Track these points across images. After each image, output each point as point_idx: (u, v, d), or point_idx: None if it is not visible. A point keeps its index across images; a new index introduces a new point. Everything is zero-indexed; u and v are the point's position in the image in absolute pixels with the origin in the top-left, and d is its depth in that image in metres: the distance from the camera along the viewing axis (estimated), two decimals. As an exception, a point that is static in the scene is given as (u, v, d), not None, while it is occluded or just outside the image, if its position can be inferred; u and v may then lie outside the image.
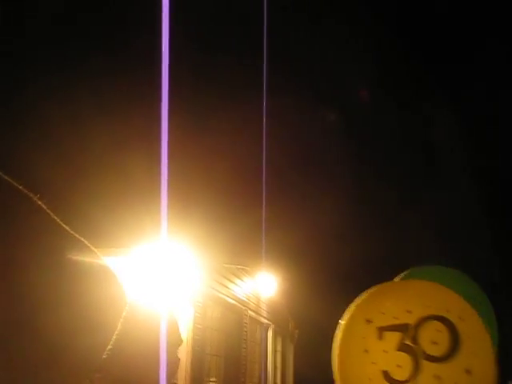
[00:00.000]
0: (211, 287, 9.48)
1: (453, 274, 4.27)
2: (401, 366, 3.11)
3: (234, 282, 10.61)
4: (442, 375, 3.02)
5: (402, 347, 3.10)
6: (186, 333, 8.07)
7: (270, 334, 11.87)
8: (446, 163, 20.19)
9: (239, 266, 10.73)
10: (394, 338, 3.13)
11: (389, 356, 3.10)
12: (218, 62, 14.22)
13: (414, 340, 3.09)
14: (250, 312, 10.91)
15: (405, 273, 4.24)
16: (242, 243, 11.19)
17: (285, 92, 13.64)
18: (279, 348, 12.67)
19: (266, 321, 11.54)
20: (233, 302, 10.39)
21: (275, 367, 12.13)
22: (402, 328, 3.14)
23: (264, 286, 11.02)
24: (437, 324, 3.08)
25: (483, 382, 2.95)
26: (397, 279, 4.21)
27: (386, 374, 3.10)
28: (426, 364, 3.04)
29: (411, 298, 3.26)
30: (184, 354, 7.90)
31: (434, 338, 3.06)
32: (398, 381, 3.09)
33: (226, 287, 10.23)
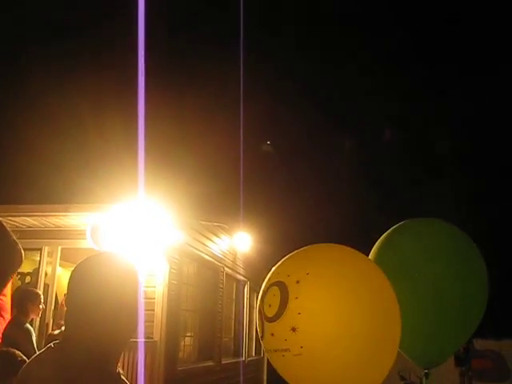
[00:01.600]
0: (187, 244, 9.50)
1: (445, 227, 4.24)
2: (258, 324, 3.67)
3: (210, 239, 10.64)
4: (274, 333, 3.35)
5: (259, 310, 3.60)
6: (161, 288, 8.10)
7: (246, 290, 12.00)
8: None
9: (216, 223, 10.75)
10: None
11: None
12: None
13: (262, 303, 3.55)
14: (226, 269, 11.00)
15: (399, 224, 4.24)
16: (219, 200, 11.20)
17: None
18: (255, 304, 12.81)
19: (242, 277, 11.65)
20: (209, 258, 10.43)
21: (250, 323, 12.30)
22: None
23: (240, 243, 11.10)
24: (274, 289, 3.41)
25: (309, 339, 3.16)
26: (389, 231, 4.24)
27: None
28: (266, 324, 3.45)
29: (291, 261, 3.54)
30: (159, 309, 7.95)
31: (270, 301, 3.41)
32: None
33: (203, 244, 10.26)
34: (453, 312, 3.77)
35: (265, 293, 3.49)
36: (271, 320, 3.35)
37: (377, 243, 4.23)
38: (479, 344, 16.03)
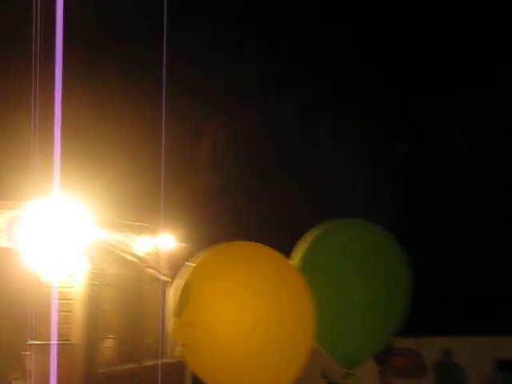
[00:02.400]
0: (109, 244, 9.28)
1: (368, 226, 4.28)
2: None
3: (133, 239, 10.45)
4: (177, 328, 3.55)
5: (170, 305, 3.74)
6: (80, 289, 7.87)
7: (169, 290, 11.81)
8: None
9: (139, 223, 10.57)
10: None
11: None
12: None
13: (171, 298, 3.70)
14: (149, 269, 10.81)
15: (321, 225, 4.24)
16: (142, 200, 10.99)
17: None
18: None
19: (166, 278, 11.47)
20: (132, 258, 10.25)
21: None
22: None
23: (164, 243, 10.93)
24: (181, 285, 3.51)
25: (205, 335, 3.25)
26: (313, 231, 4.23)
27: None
28: (173, 319, 3.62)
29: (199, 259, 3.61)
30: (78, 310, 7.72)
31: (176, 297, 3.57)
32: None
33: (126, 244, 10.06)
34: (375, 312, 3.82)
35: (174, 288, 3.53)
36: (176, 315, 3.37)
37: (299, 244, 4.24)
38: (399, 343, 16.53)
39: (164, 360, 10.89)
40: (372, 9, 18.38)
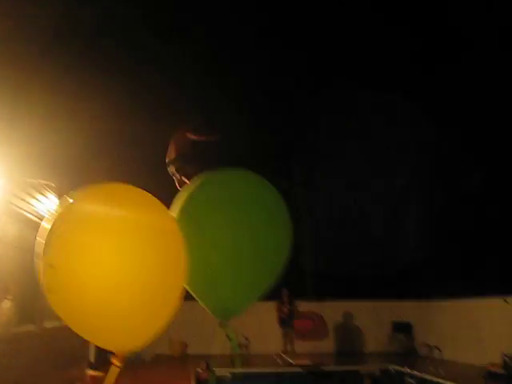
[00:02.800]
0: (9, 202, 8.88)
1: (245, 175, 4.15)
2: None
3: (36, 198, 10.04)
4: (41, 270, 3.47)
5: None
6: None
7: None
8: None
9: (42, 182, 10.15)
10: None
11: None
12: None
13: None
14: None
15: (202, 175, 4.12)
16: (46, 158, 10.55)
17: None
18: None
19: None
20: (34, 218, 9.85)
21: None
22: None
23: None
24: (49, 227, 3.50)
25: (66, 276, 3.25)
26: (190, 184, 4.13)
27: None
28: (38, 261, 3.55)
29: (69, 199, 3.53)
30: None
31: (43, 238, 3.47)
32: None
33: (28, 203, 9.66)
34: (249, 261, 3.74)
35: (41, 230, 3.35)
36: (39, 257, 3.27)
37: (179, 192, 4.11)
38: (302, 306, 17.04)
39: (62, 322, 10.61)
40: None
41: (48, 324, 9.01)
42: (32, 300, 8.91)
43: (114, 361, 3.17)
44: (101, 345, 3.38)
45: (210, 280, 3.71)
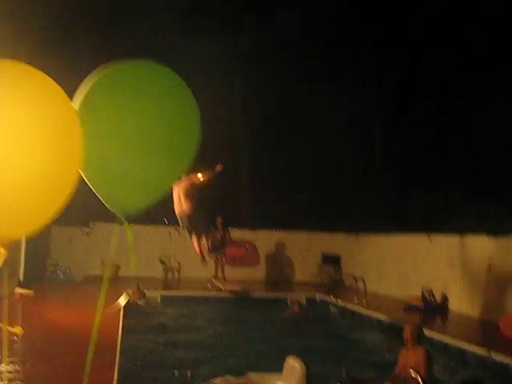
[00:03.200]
0: None
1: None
2: None
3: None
4: None
5: None
6: None
7: None
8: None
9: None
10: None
11: None
12: None
13: None
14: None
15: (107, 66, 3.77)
16: None
17: None
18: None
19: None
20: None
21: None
22: None
23: None
24: None
25: None
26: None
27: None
28: None
29: None
30: None
31: None
32: None
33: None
34: (153, 154, 3.50)
35: None
36: None
37: (84, 81, 3.74)
38: (236, 234, 17.24)
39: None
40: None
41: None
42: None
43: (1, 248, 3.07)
44: None
45: (107, 173, 3.45)
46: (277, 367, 5.60)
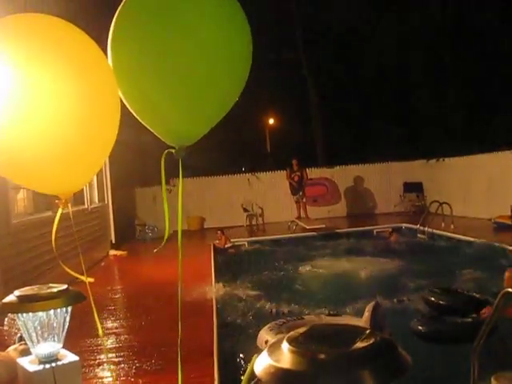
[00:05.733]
0: None
1: None
2: None
3: None
4: None
5: None
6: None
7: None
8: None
9: None
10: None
11: None
12: None
13: None
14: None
15: None
16: None
17: None
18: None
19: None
20: None
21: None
22: None
23: None
24: None
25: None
26: None
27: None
28: None
29: None
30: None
31: None
32: None
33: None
34: (201, 85, 3.18)
35: None
36: None
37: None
38: (314, 173, 17.21)
39: (80, 206, 10.85)
40: None
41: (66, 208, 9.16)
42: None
43: (59, 203, 3.24)
44: (43, 191, 3.36)
45: (156, 109, 3.28)
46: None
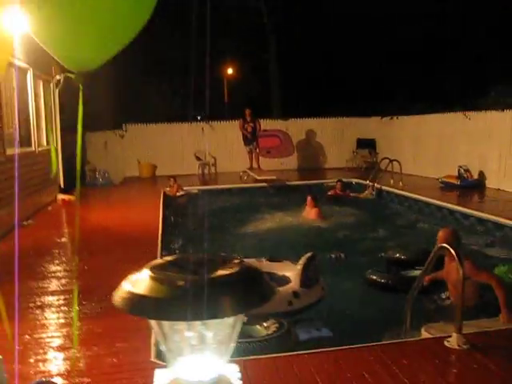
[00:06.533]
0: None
1: None
2: None
3: None
4: None
5: None
6: None
7: (28, 77, 10.96)
8: None
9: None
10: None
11: None
12: None
13: None
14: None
15: None
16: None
17: None
18: (41, 93, 11.91)
19: (24, 64, 10.53)
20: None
21: (37, 112, 11.48)
22: None
23: (16, 22, 9.57)
24: None
25: None
26: None
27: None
28: None
29: None
30: None
31: None
32: None
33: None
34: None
35: None
36: None
37: None
38: (268, 124, 17.18)
39: (27, 148, 10.52)
40: None
41: (10, 151, 8.91)
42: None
43: None
44: None
45: (58, 27, 3.11)
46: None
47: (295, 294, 5.03)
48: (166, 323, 1.09)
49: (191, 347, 1.08)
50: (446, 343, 3.80)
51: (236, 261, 1.18)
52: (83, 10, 2.87)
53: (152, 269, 1.19)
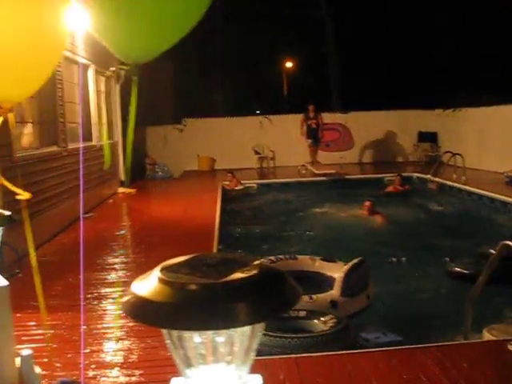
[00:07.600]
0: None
1: None
2: None
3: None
4: None
5: None
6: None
7: (90, 73, 11.18)
8: None
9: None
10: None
11: None
12: None
13: None
14: (64, 51, 9.94)
15: None
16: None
17: None
18: (102, 88, 12.15)
19: (85, 60, 10.74)
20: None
21: (99, 108, 11.72)
22: None
23: (78, 20, 9.70)
24: None
25: None
26: None
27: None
28: None
29: None
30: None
31: None
32: None
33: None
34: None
35: None
36: None
37: None
38: (328, 118, 16.95)
39: (88, 143, 10.74)
40: None
41: (72, 145, 9.12)
42: (53, 124, 8.94)
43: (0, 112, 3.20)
44: None
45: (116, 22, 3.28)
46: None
47: (333, 303, 4.73)
48: (174, 331, 0.99)
49: (203, 358, 0.99)
50: (509, 346, 3.60)
51: (256, 262, 1.05)
52: (139, 5, 2.98)
53: (162, 270, 1.07)
